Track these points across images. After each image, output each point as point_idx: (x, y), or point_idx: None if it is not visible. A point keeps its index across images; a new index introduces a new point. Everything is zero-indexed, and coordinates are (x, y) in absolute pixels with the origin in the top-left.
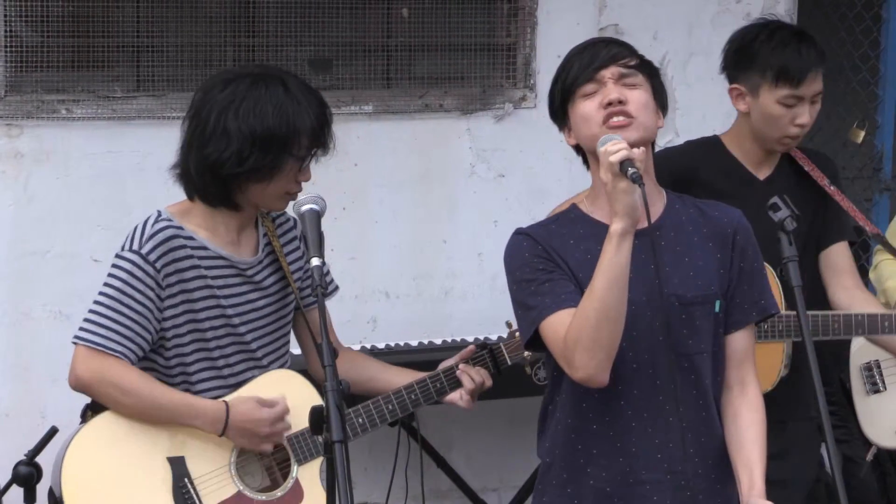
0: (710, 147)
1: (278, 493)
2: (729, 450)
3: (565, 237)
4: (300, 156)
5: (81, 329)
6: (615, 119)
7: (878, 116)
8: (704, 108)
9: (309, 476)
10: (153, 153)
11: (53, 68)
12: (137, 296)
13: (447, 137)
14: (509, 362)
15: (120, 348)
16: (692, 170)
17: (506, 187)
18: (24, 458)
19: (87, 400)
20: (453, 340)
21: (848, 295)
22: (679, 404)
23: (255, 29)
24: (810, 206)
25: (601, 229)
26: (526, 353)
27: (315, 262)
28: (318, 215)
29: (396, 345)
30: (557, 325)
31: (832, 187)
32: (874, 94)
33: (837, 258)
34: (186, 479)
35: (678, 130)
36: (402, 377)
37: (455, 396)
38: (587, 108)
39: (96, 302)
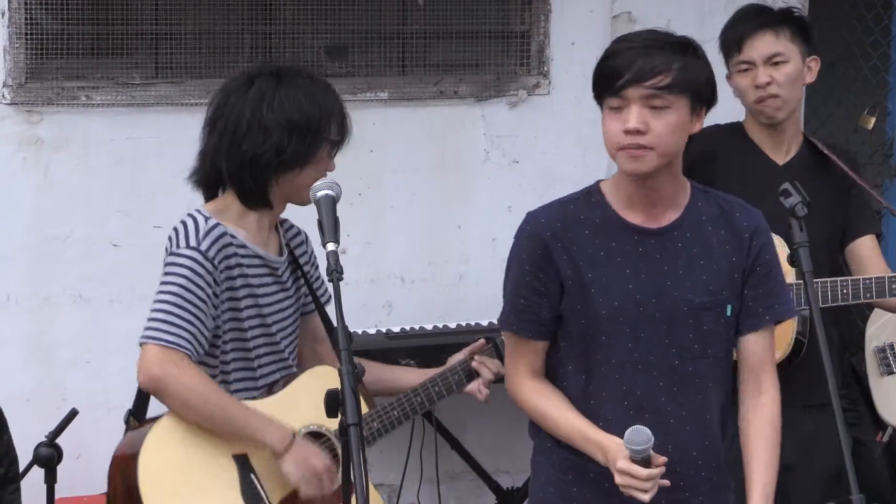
0: (731, 131)
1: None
2: (743, 455)
3: (581, 225)
4: (333, 139)
5: (149, 329)
6: (631, 151)
7: (888, 103)
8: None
9: None
10: (172, 139)
11: (73, 55)
12: (200, 293)
13: (462, 124)
14: None
15: (189, 346)
16: (712, 154)
17: (519, 173)
18: (45, 439)
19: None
20: (467, 324)
21: None
22: (680, 408)
23: (272, 16)
24: (831, 194)
25: (618, 222)
26: None
27: (331, 246)
28: (333, 201)
29: (411, 328)
30: (509, 346)
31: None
32: (885, 80)
33: (864, 250)
34: (252, 476)
35: None
36: (408, 375)
37: (473, 387)
38: (611, 126)
39: (160, 301)
